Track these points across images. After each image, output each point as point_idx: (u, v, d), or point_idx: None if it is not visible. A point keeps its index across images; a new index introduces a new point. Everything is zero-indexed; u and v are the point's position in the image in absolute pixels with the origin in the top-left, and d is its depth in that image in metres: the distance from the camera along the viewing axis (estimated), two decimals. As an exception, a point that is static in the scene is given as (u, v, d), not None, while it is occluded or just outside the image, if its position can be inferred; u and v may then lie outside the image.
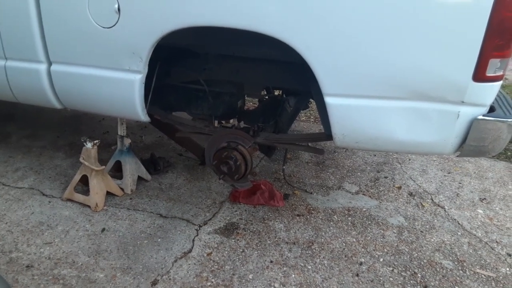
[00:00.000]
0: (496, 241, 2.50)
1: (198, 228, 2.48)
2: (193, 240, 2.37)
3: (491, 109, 1.77)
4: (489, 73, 1.63)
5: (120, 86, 2.16)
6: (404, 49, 1.66)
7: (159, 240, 2.36)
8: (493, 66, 1.62)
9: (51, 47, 2.23)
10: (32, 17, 2.17)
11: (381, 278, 2.15)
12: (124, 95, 2.17)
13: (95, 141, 2.56)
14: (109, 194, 2.71)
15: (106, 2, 1.96)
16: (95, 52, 2.14)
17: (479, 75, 1.62)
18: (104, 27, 2.03)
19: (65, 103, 2.44)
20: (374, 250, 2.37)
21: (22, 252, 2.21)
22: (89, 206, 2.61)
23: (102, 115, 4.04)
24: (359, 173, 3.30)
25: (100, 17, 2.01)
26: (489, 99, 1.72)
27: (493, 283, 2.15)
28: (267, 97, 3.01)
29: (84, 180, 2.65)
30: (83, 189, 2.72)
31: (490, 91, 1.70)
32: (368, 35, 1.66)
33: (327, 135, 2.07)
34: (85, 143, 2.55)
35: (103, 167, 2.63)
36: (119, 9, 1.95)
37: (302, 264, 2.23)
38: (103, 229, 2.43)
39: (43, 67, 2.31)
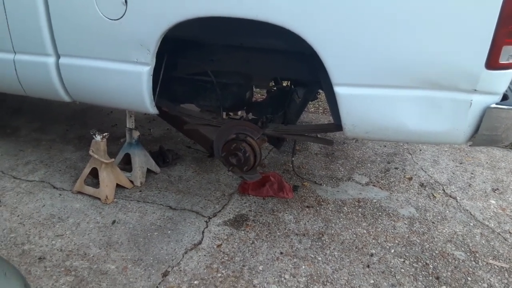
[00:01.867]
0: (509, 232, 2.47)
1: (207, 220, 2.49)
2: (203, 232, 2.37)
3: (504, 97, 1.72)
4: (502, 61, 1.59)
5: (128, 79, 2.15)
6: (414, 37, 1.63)
7: (169, 232, 2.37)
8: (506, 53, 1.58)
9: (59, 40, 2.23)
10: (40, 10, 2.17)
11: (392, 269, 2.13)
12: (133, 87, 2.16)
13: (104, 134, 2.57)
14: (118, 186, 2.72)
15: (113, -7, 1.95)
16: (103, 45, 2.13)
17: (492, 63, 1.59)
18: (111, 19, 2.02)
19: (74, 96, 2.45)
20: (385, 241, 2.35)
21: (34, 244, 2.23)
22: (99, 199, 2.63)
23: (110, 108, 4.06)
24: (369, 164, 3.28)
25: (108, 9, 2.01)
26: (502, 87, 1.68)
27: (506, 274, 2.13)
28: (275, 88, 2.99)
29: (94, 173, 2.66)
30: (93, 181, 2.74)
31: (503, 79, 1.66)
32: (378, 23, 1.63)
33: (337, 125, 2.06)
34: (94, 136, 2.56)
35: (113, 159, 2.64)
36: (126, 1, 1.94)
37: (312, 255, 2.22)
38: (114, 221, 2.44)
39: (51, 60, 2.31)
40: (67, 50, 2.25)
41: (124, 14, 1.98)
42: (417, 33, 1.61)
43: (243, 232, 2.39)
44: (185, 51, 2.47)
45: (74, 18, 2.13)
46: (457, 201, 2.79)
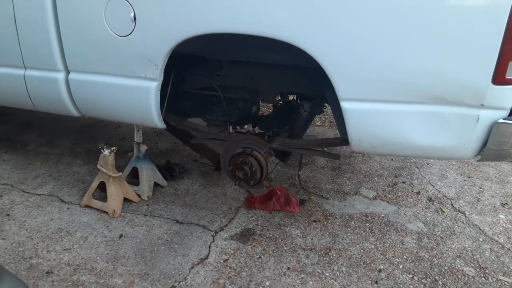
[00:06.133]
0: (519, 247, 2.44)
1: (214, 234, 2.48)
2: (210, 246, 2.37)
3: (512, 113, 1.73)
4: (509, 76, 1.59)
5: (137, 94, 2.18)
6: (421, 53, 1.63)
7: (175, 246, 2.37)
8: (513, 69, 1.59)
9: (69, 56, 2.27)
10: (50, 27, 2.21)
11: (401, 286, 2.11)
12: (141, 102, 2.19)
13: (112, 148, 2.59)
14: (126, 200, 2.73)
15: (122, 11, 1.98)
16: (112, 60, 2.17)
17: (499, 78, 1.59)
18: (120, 36, 2.05)
19: (83, 111, 2.48)
20: (393, 256, 2.33)
21: (42, 258, 2.24)
22: (106, 213, 2.64)
23: (118, 122, 4.09)
24: (376, 178, 3.26)
25: (117, 25, 2.04)
26: (510, 102, 1.68)
27: (516, 291, 2.10)
28: (281, 102, 3.00)
29: (102, 187, 2.68)
30: (101, 195, 2.76)
31: (510, 94, 1.66)
32: (384, 38, 1.64)
33: (343, 140, 2.06)
34: (102, 150, 2.58)
35: (120, 173, 2.66)
36: (135, 18, 1.97)
37: (319, 271, 2.20)
38: (121, 235, 2.45)
39: (61, 75, 2.35)
40: (76, 66, 2.29)
41: (132, 31, 2.01)
42: (424, 49, 1.62)
43: (249, 246, 2.38)
44: (192, 66, 2.49)
45: (84, 35, 2.17)
46: (465, 216, 2.76)
